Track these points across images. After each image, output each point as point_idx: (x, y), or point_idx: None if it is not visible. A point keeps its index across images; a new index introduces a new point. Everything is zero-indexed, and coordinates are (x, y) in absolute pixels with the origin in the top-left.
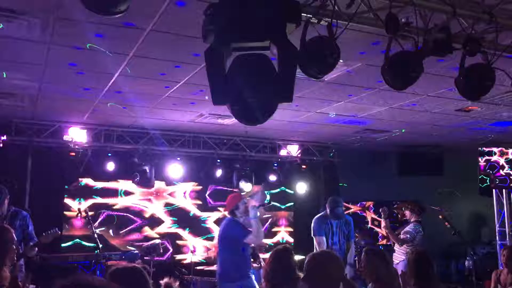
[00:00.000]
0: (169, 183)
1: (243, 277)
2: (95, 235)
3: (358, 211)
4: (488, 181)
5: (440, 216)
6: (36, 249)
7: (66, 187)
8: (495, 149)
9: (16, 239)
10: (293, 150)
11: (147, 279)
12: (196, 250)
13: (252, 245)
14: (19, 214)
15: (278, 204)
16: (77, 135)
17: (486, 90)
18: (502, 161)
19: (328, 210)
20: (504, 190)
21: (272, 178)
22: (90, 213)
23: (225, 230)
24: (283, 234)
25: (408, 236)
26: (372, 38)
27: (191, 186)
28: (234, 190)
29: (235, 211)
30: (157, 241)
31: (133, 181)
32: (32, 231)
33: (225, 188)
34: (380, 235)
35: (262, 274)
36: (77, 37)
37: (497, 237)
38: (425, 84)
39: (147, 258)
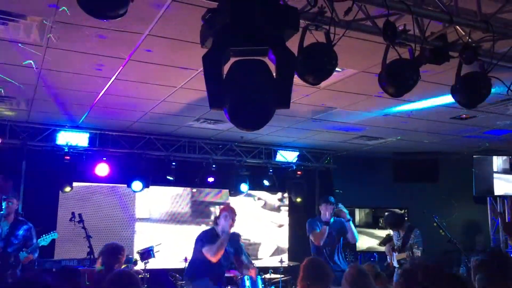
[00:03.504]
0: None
1: (195, 278)
2: (89, 239)
3: None
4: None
5: (434, 224)
6: (36, 255)
7: (60, 192)
8: (490, 157)
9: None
10: (288, 156)
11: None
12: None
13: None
14: (23, 225)
15: None
16: (72, 138)
17: (482, 99)
18: (496, 169)
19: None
20: (498, 198)
21: (267, 184)
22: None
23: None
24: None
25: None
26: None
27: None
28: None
29: (217, 220)
30: (152, 245)
31: (128, 185)
32: (36, 244)
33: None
34: None
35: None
36: (74, 40)
37: (491, 245)
38: (421, 91)
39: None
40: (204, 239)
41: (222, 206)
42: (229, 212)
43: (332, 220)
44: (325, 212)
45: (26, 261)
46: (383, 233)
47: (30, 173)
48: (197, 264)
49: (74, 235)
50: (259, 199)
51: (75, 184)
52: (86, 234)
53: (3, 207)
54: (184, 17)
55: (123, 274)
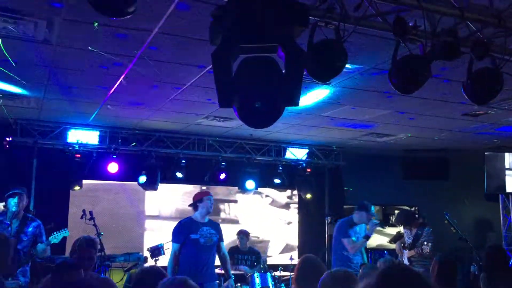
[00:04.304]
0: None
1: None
2: (100, 237)
3: None
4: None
5: (446, 221)
6: (49, 249)
7: (70, 190)
8: (501, 154)
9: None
10: (298, 153)
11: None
12: None
13: None
14: (32, 222)
15: None
16: (82, 136)
17: (494, 95)
18: (508, 166)
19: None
20: (510, 195)
21: (277, 181)
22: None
23: None
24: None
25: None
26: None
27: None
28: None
29: (198, 204)
30: (162, 243)
31: (138, 183)
32: (47, 241)
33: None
34: None
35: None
36: (84, 38)
37: (503, 242)
38: (431, 88)
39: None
40: (180, 234)
41: (201, 191)
42: (211, 196)
43: (364, 226)
44: (364, 220)
45: (44, 254)
46: (393, 230)
47: (41, 171)
48: (180, 263)
49: (85, 232)
50: (266, 196)
51: (85, 181)
52: (96, 231)
53: (15, 204)
54: (194, 15)
55: (150, 271)
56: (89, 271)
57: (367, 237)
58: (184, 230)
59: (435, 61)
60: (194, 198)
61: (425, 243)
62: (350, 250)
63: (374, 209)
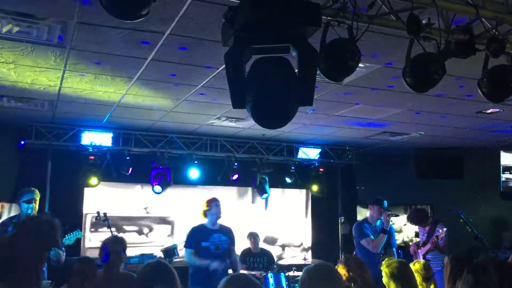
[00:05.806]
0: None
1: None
2: None
3: None
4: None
5: (461, 220)
6: (64, 254)
7: (87, 186)
8: None
9: None
10: (310, 153)
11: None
12: None
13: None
14: None
15: None
16: (96, 138)
17: (510, 92)
18: None
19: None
20: None
21: (289, 181)
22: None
23: None
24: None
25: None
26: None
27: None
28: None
29: (206, 213)
30: (176, 244)
31: (153, 191)
32: (61, 243)
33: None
34: None
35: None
36: (97, 41)
37: None
38: (445, 85)
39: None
40: (191, 240)
41: (208, 199)
42: (217, 201)
43: (378, 223)
44: (377, 216)
45: (59, 260)
46: (411, 230)
47: (55, 173)
48: (192, 271)
49: (99, 233)
50: (279, 196)
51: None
52: (110, 232)
53: (31, 208)
54: (205, 16)
55: (157, 265)
56: (118, 267)
57: (385, 231)
58: (195, 236)
59: (450, 58)
60: (203, 207)
61: (439, 230)
62: (372, 249)
63: (386, 203)
